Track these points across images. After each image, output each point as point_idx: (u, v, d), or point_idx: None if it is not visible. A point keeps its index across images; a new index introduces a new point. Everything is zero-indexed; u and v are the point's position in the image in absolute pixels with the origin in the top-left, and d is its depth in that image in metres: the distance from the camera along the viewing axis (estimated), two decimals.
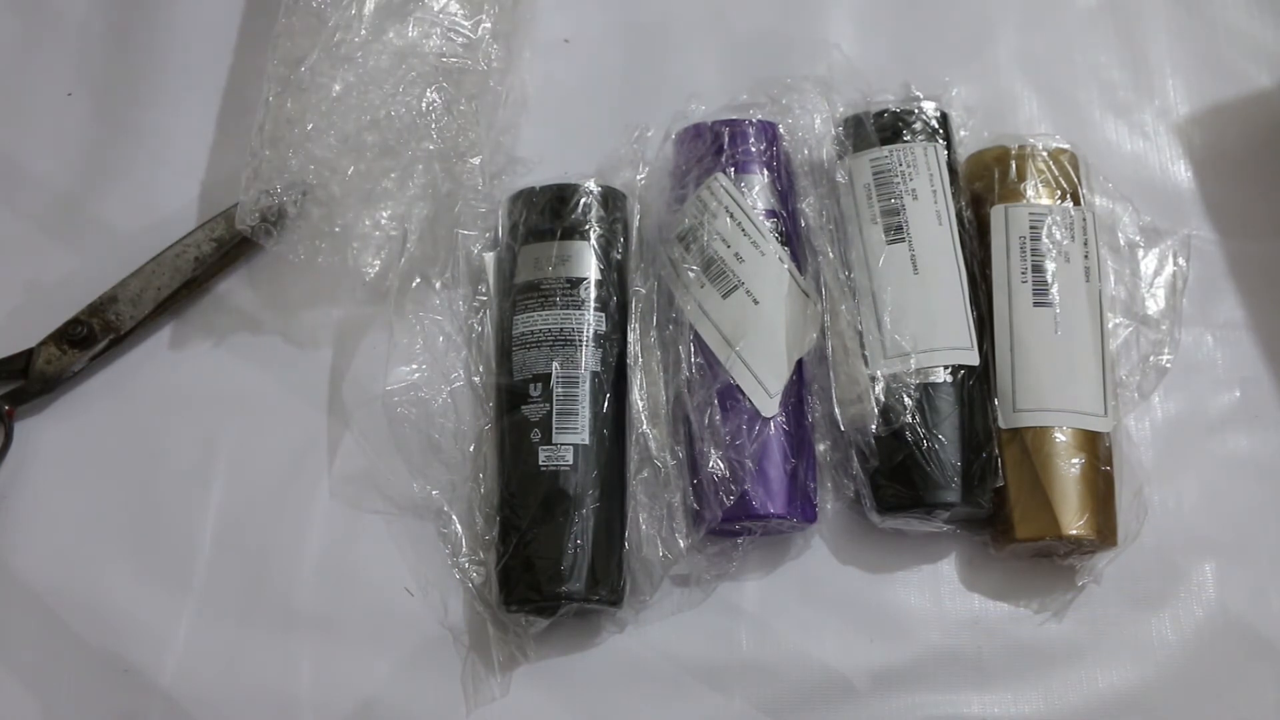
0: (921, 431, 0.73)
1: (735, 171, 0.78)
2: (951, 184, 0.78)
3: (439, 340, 0.79)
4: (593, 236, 0.77)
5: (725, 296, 0.75)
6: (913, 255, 0.76)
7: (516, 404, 0.74)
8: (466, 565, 0.75)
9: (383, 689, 0.73)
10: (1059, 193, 0.78)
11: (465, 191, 0.80)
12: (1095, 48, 0.89)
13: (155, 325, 0.81)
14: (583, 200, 0.78)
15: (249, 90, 0.84)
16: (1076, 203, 0.79)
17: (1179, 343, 0.80)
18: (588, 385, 0.74)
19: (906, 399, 0.73)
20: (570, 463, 0.73)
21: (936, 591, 0.76)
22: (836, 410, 0.75)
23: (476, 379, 0.78)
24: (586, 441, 0.73)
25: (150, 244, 0.82)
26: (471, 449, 0.77)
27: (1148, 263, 0.81)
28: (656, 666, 0.74)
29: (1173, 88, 0.88)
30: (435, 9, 0.81)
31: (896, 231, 0.76)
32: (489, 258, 0.80)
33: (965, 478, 0.72)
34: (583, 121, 0.87)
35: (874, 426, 0.73)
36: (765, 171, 0.78)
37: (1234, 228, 0.84)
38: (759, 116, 0.80)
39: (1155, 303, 0.80)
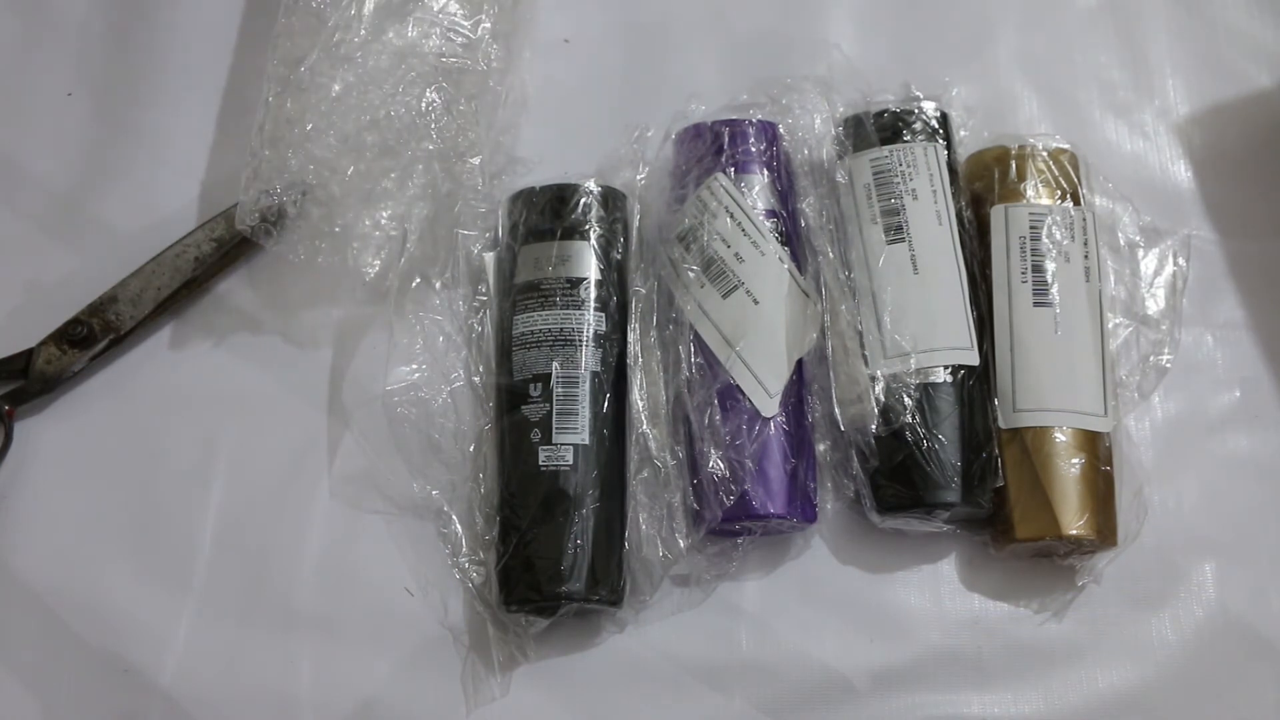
0: (921, 431, 0.73)
1: (735, 171, 0.78)
2: (951, 184, 0.78)
3: (439, 340, 0.79)
4: (593, 236, 0.77)
5: (725, 296, 0.75)
6: (913, 255, 0.76)
7: (516, 404, 0.74)
8: (466, 565, 0.75)
9: (383, 689, 0.73)
10: (1059, 193, 0.78)
11: (465, 191, 0.80)
12: (1095, 48, 0.89)
13: (155, 325, 0.81)
14: (583, 200, 0.78)
15: (249, 90, 0.84)
16: (1076, 203, 0.79)
17: (1179, 343, 0.80)
18: (588, 385, 0.74)
19: (906, 399, 0.73)
20: (570, 463, 0.73)
21: (936, 591, 0.76)
22: (836, 410, 0.75)
23: (476, 379, 0.78)
24: (586, 441, 0.73)
25: (150, 244, 0.82)
26: (471, 449, 0.77)
27: (1148, 263, 0.81)
28: (656, 666, 0.74)
29: (1173, 88, 0.88)
30: (435, 9, 0.81)
31: (896, 231, 0.76)
32: (489, 258, 0.80)
33: (965, 478, 0.72)
34: (583, 121, 0.87)
35: (874, 426, 0.73)
36: (765, 171, 0.78)
37: (1234, 228, 0.84)
38: (759, 116, 0.80)
39: (1155, 303, 0.80)
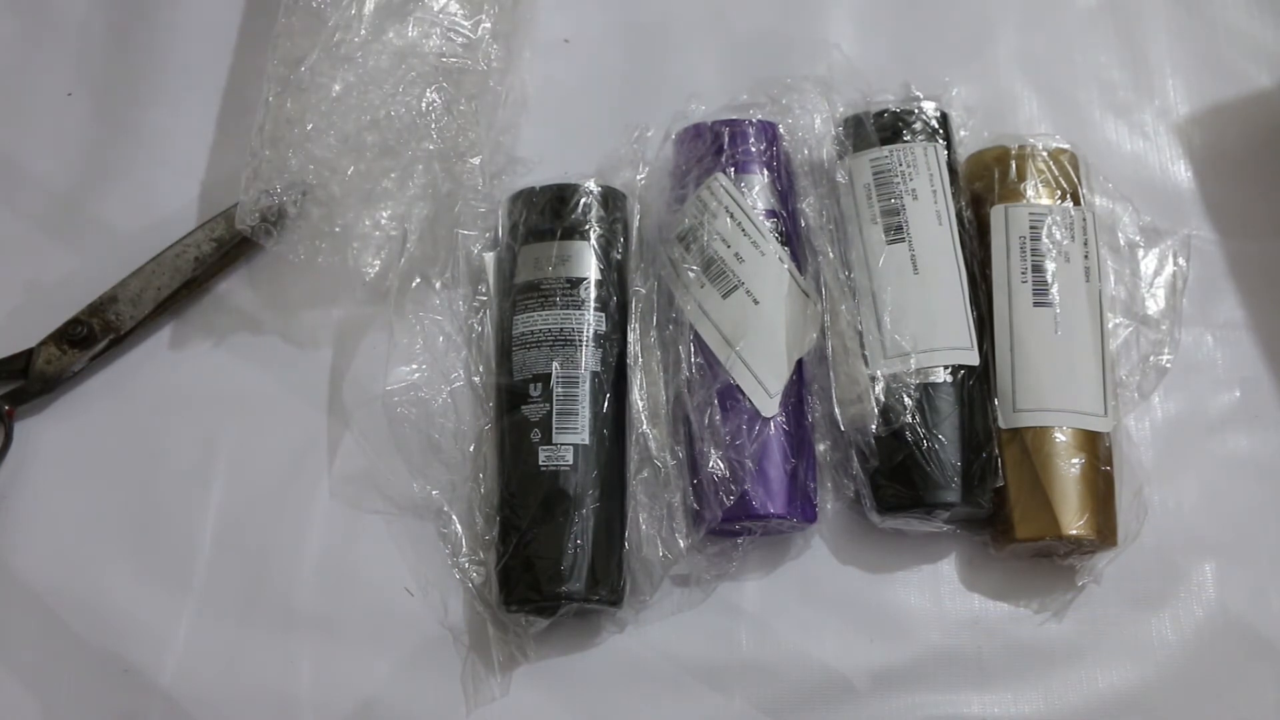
0: (921, 431, 0.73)
1: (735, 171, 0.78)
2: (951, 184, 0.78)
3: (439, 340, 0.79)
4: (593, 236, 0.77)
5: (725, 296, 0.75)
6: (913, 255, 0.76)
7: (516, 404, 0.74)
8: (466, 565, 0.75)
9: (383, 689, 0.73)
10: (1059, 193, 0.78)
11: (465, 191, 0.80)
12: (1095, 48, 0.89)
13: (155, 325, 0.81)
14: (583, 200, 0.78)
15: (249, 90, 0.84)
16: (1076, 203, 0.79)
17: (1179, 343, 0.80)
18: (588, 385, 0.74)
19: (906, 399, 0.73)
20: (570, 463, 0.73)
21: (936, 591, 0.76)
22: (836, 410, 0.75)
23: (476, 379, 0.78)
24: (586, 441, 0.73)
25: (150, 244, 0.82)
26: (471, 449, 0.77)
27: (1148, 263, 0.81)
28: (656, 666, 0.74)
29: (1173, 88, 0.88)
30: (435, 9, 0.81)
31: (896, 231, 0.76)
32: (489, 258, 0.80)
33: (965, 478, 0.72)
34: (583, 121, 0.87)
35: (874, 426, 0.73)
36: (765, 171, 0.78)
37: (1234, 228, 0.84)
38: (759, 116, 0.80)
39: (1155, 303, 0.80)
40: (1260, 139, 0.86)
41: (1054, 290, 0.76)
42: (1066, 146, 0.80)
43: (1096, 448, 0.74)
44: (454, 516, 0.75)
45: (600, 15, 0.90)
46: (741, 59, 0.88)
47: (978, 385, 0.74)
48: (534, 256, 0.77)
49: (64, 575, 0.76)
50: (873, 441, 0.73)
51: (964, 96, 0.84)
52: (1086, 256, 0.77)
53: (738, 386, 0.74)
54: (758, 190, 0.78)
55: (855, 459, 0.74)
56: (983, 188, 0.79)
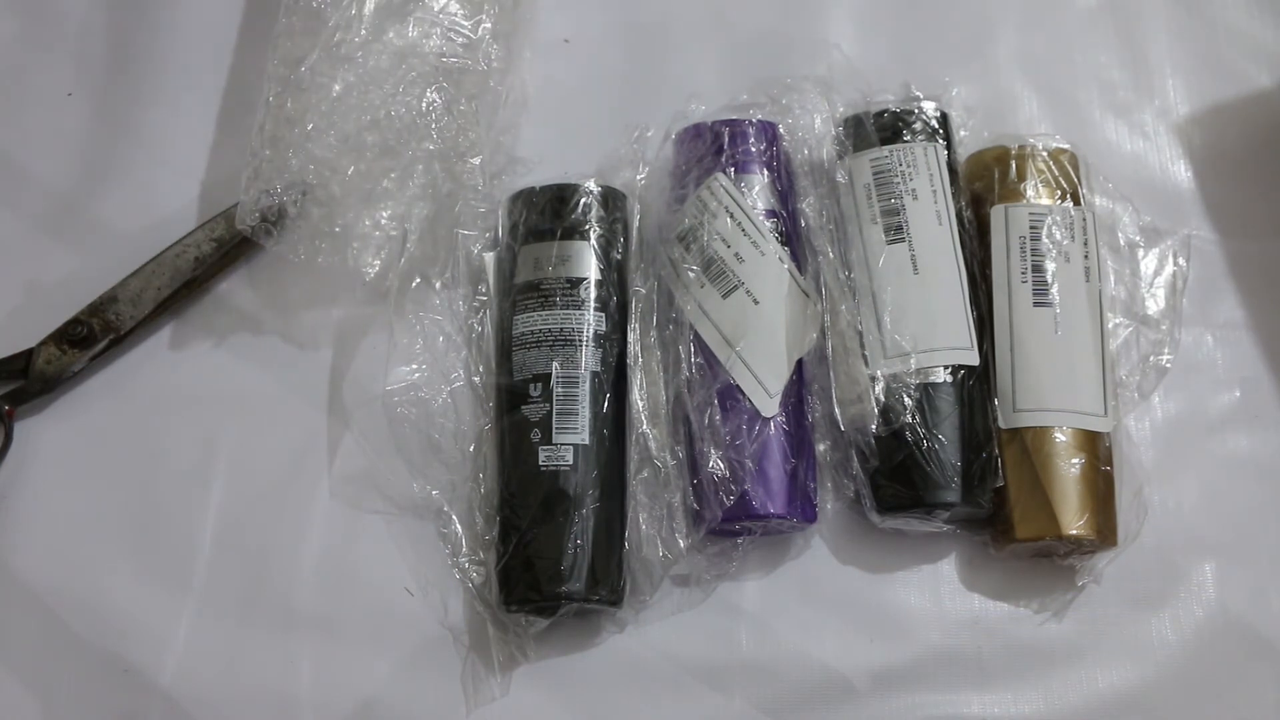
0: (921, 431, 0.73)
1: (735, 171, 0.78)
2: (951, 184, 0.78)
3: (439, 340, 0.79)
4: (593, 236, 0.77)
5: (725, 296, 0.75)
6: (913, 255, 0.76)
7: (516, 404, 0.74)
8: (466, 565, 0.75)
9: (383, 689, 0.73)
10: (1059, 193, 0.78)
11: (465, 191, 0.80)
12: (1095, 48, 0.89)
13: (155, 325, 0.81)
14: (583, 200, 0.78)
15: (249, 90, 0.84)
16: (1076, 203, 0.79)
17: (1179, 343, 0.80)
18: (588, 385, 0.74)
19: (906, 399, 0.73)
20: (570, 463, 0.73)
21: (936, 591, 0.76)
22: (836, 410, 0.75)
23: (476, 379, 0.78)
24: (586, 441, 0.73)
25: (150, 244, 0.82)
26: (471, 449, 0.77)
27: (1148, 263, 0.81)
28: (656, 666, 0.74)
29: (1173, 88, 0.88)
30: (435, 9, 0.81)
31: (896, 231, 0.76)
32: (489, 258, 0.80)
33: (965, 478, 0.72)
34: (583, 121, 0.87)
35: (874, 426, 0.73)
36: (765, 171, 0.78)
37: (1234, 228, 0.84)
38: (759, 116, 0.80)
39: (1155, 303, 0.80)
40: (1260, 139, 0.86)
41: (1054, 290, 0.76)
42: (1066, 146, 0.80)
43: (1096, 448, 0.74)
44: (454, 516, 0.75)
45: (600, 15, 0.90)
46: (741, 59, 0.88)
47: (978, 385, 0.74)
48: (534, 256, 0.77)
49: (64, 575, 0.76)
50: (873, 441, 0.73)
51: (964, 96, 0.84)
52: (1086, 256, 0.77)
53: (738, 386, 0.74)
54: (758, 190, 0.78)
55: (855, 459, 0.74)
56: (983, 188, 0.79)
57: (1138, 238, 0.82)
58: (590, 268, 0.77)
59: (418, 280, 0.79)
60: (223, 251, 0.81)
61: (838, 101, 0.82)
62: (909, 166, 0.77)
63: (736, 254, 0.76)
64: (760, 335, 0.74)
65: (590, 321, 0.76)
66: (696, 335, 0.75)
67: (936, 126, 0.79)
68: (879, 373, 0.74)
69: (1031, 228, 0.77)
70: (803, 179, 0.80)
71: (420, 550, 0.76)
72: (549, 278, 0.76)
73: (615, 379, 0.75)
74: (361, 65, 0.79)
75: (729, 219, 0.76)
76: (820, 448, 0.76)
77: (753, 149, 0.78)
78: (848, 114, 0.80)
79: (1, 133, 0.87)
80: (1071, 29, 0.90)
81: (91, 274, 0.81)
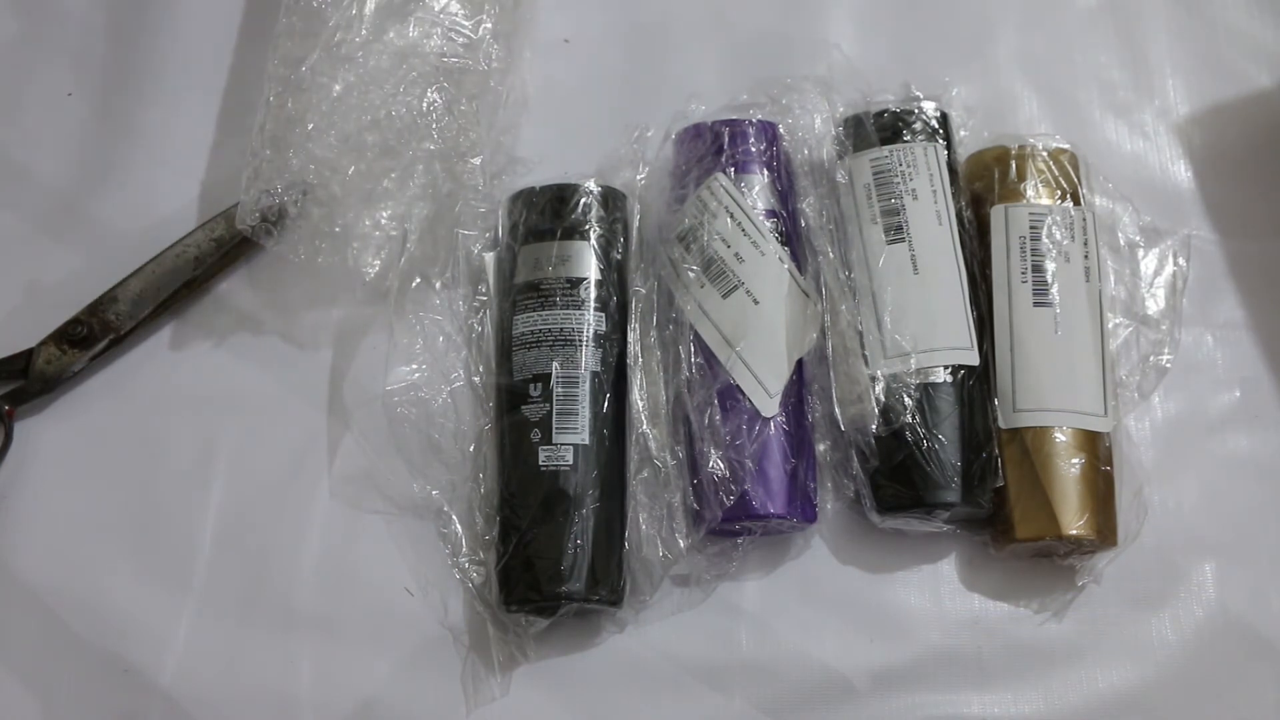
0: (921, 431, 0.73)
1: (735, 171, 0.78)
2: (951, 184, 0.78)
3: (439, 340, 0.79)
4: (593, 236, 0.77)
5: (725, 296, 0.75)
6: (913, 255, 0.76)
7: (516, 404, 0.74)
8: (466, 565, 0.75)
9: (383, 689, 0.73)
10: (1059, 193, 0.78)
11: (465, 191, 0.80)
12: (1095, 48, 0.89)
13: (155, 325, 0.81)
14: (583, 200, 0.78)
15: (249, 90, 0.85)
16: (1076, 203, 0.79)
17: (1179, 343, 0.80)
18: (588, 385, 0.74)
19: (906, 399, 0.73)
20: (570, 463, 0.73)
21: (936, 591, 0.76)
22: (836, 410, 0.75)
23: (476, 379, 0.78)
24: (586, 441, 0.73)
25: (150, 244, 0.82)
26: (471, 449, 0.77)
27: (1148, 263, 0.81)
28: (656, 666, 0.74)
29: (1173, 88, 0.88)
30: (436, 9, 0.81)
31: (896, 231, 0.76)
32: (489, 258, 0.80)
33: (965, 478, 0.72)
34: (583, 121, 0.87)
35: (874, 426, 0.73)
36: (765, 171, 0.78)
37: (1234, 228, 0.84)
38: (759, 116, 0.80)
39: (1155, 303, 0.80)
40: (1260, 139, 0.86)
41: (1054, 290, 0.76)
42: (1066, 146, 0.80)
43: (1096, 448, 0.74)
44: (454, 516, 0.75)
45: (600, 15, 0.90)
46: (741, 59, 0.88)
47: (978, 385, 0.74)
48: (534, 256, 0.77)
49: (64, 575, 0.76)
50: (873, 441, 0.73)
51: (964, 96, 0.84)
52: (1086, 256, 0.77)
53: (738, 386, 0.74)
54: (758, 190, 0.78)
55: (855, 459, 0.74)
56: (983, 188, 0.79)
57: (1138, 238, 0.82)
58: (590, 268, 0.77)
59: (418, 280, 0.79)
60: (223, 251, 0.81)
61: (838, 101, 0.82)
62: (909, 166, 0.77)
63: (736, 254, 0.76)
64: (760, 335, 0.74)
65: (590, 321, 0.76)
66: (696, 335, 0.75)
67: (936, 126, 0.79)
68: (879, 373, 0.74)
69: (1031, 228, 0.77)
70: (803, 179, 0.80)
71: (420, 550, 0.76)
72: (549, 278, 0.76)
73: (615, 379, 0.75)
74: (362, 65, 0.79)
75: (729, 219, 0.76)
76: (820, 448, 0.76)
77: (753, 149, 0.78)
78: (848, 114, 0.80)
79: (1, 133, 0.87)
80: (1071, 29, 0.90)
81: (91, 274, 0.81)
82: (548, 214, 0.78)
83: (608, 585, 0.72)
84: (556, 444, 0.73)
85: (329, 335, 0.81)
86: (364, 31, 0.79)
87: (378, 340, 0.80)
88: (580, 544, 0.72)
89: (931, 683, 0.73)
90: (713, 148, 0.78)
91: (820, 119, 0.82)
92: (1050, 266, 0.76)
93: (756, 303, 0.75)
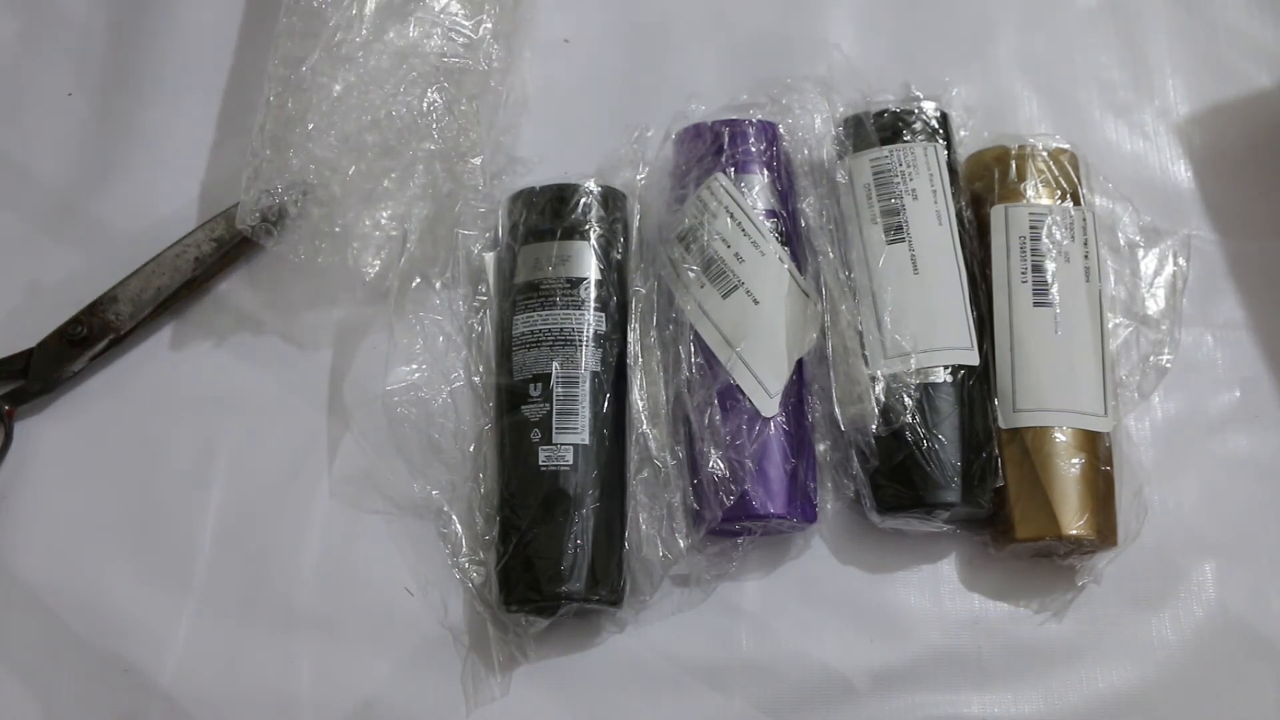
0: (921, 431, 0.73)
1: (735, 171, 0.78)
2: (951, 184, 0.78)
3: (439, 340, 0.79)
4: (593, 236, 0.77)
5: (725, 296, 0.75)
6: (913, 255, 0.76)
7: (516, 404, 0.74)
8: (466, 565, 0.75)
9: (383, 689, 0.73)
10: (1059, 193, 0.78)
11: (465, 191, 0.80)
12: (1095, 48, 0.89)
13: (155, 325, 0.81)
14: (583, 200, 0.78)
15: (249, 90, 0.85)
16: (1076, 203, 0.79)
17: (1179, 343, 0.80)
18: (588, 385, 0.74)
19: (906, 399, 0.73)
20: (570, 463, 0.73)
21: (936, 591, 0.76)
22: (836, 410, 0.75)
23: (476, 379, 0.78)
24: (586, 441, 0.73)
25: (150, 244, 0.82)
26: (471, 449, 0.77)
27: (1148, 263, 0.81)
28: (656, 666, 0.74)
29: (1173, 88, 0.88)
30: (436, 9, 0.81)
31: (896, 231, 0.76)
32: (489, 258, 0.80)
33: (965, 478, 0.72)
34: (583, 121, 0.87)
35: (874, 426, 0.73)
36: (765, 171, 0.78)
37: (1234, 228, 0.84)
38: (759, 116, 0.80)
39: (1155, 303, 0.80)
40: (1260, 139, 0.86)
41: (1054, 290, 0.76)
42: (1066, 146, 0.80)
43: (1096, 448, 0.74)
44: (454, 516, 0.75)
45: (600, 15, 0.90)
46: (741, 59, 0.88)
47: (978, 385, 0.74)
48: (534, 256, 0.77)
49: (64, 575, 0.76)
50: (873, 441, 0.73)
51: (964, 96, 0.84)
52: (1086, 256, 0.77)
53: (738, 386, 0.74)
54: (758, 190, 0.78)
55: (855, 459, 0.74)
56: (983, 188, 0.79)
57: (1138, 238, 0.82)
58: (590, 268, 0.77)
59: (418, 280, 0.79)
60: (223, 251, 0.81)
61: (838, 101, 0.82)
62: (909, 166, 0.77)
63: (736, 254, 0.76)
64: (760, 335, 0.74)
65: (590, 321, 0.76)
66: (696, 335, 0.75)
67: (936, 126, 0.79)
68: (879, 373, 0.74)
69: (1031, 228, 0.77)
70: (803, 179, 0.80)
71: (420, 550, 0.76)
72: (549, 278, 0.76)
73: (615, 379, 0.75)
74: (362, 65, 0.79)
75: (729, 219, 0.76)
76: (820, 448, 0.76)
77: (753, 149, 0.78)
78: (848, 114, 0.80)
79: (1, 133, 0.87)
80: (1071, 29, 0.90)
81: (91, 274, 0.81)
82: (548, 214, 0.78)
83: (608, 585, 0.72)
84: (556, 444, 0.73)
85: (329, 335, 0.81)
86: (364, 31, 0.79)
87: (378, 340, 0.80)
88: (580, 544, 0.72)
89: (931, 683, 0.73)
90: (713, 148, 0.78)
91: (820, 119, 0.82)
92: (1050, 266, 0.76)
93: (756, 303, 0.75)
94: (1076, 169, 0.79)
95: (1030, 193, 0.78)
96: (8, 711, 0.73)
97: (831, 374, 0.76)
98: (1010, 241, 0.77)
